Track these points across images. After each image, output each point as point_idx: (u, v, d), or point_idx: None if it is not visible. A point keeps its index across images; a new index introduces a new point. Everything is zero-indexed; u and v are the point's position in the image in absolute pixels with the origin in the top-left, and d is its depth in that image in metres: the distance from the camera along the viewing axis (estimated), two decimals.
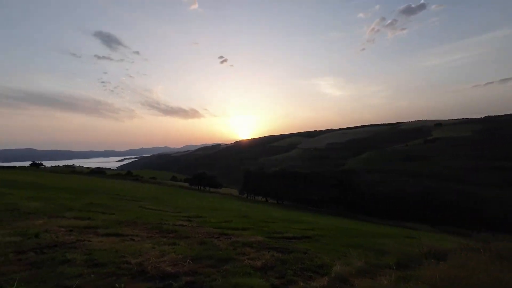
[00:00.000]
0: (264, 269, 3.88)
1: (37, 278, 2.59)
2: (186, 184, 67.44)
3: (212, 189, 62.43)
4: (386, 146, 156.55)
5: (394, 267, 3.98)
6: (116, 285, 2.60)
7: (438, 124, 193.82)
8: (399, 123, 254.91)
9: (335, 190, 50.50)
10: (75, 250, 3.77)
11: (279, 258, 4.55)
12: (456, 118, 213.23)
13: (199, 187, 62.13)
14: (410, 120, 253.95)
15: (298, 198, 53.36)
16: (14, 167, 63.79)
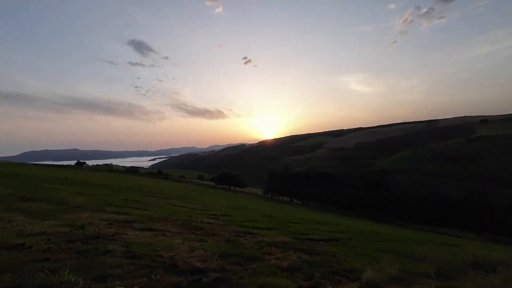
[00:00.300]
0: (290, 270, 3.84)
1: (84, 266, 2.87)
2: (212, 183, 69.48)
3: (237, 189, 63.50)
4: (422, 145, 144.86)
5: (433, 276, 3.66)
6: (152, 276, 2.77)
7: (484, 121, 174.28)
8: (437, 120, 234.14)
9: (364, 191, 48.08)
10: (115, 242, 4.10)
11: (306, 259, 4.47)
12: (504, 114, 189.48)
13: (224, 186, 63.60)
14: (450, 117, 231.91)
15: (324, 199, 51.84)
16: (62, 165, 71.51)
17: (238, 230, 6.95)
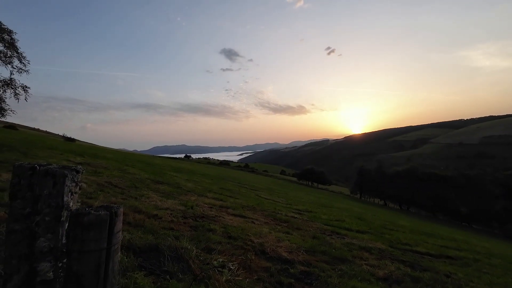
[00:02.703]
0: (388, 281, 3.37)
1: (195, 238, 3.54)
2: (294, 179, 69.95)
3: (320, 186, 61.30)
4: None
5: None
6: (248, 256, 3.10)
7: None
8: None
9: (501, 202, 35.82)
10: (215, 223, 4.83)
11: (408, 273, 3.80)
12: None
13: (307, 183, 62.67)
14: None
15: (432, 207, 42.21)
16: (176, 158, 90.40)
17: (323, 227, 6.72)
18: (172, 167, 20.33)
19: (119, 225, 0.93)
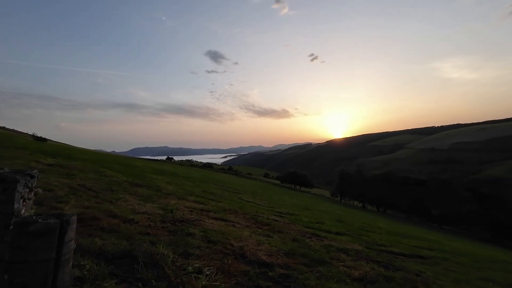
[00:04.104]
0: (362, 281, 3.49)
1: (173, 242, 3.45)
2: (278, 182, 70.48)
3: (302, 188, 62.24)
4: None
5: None
6: (225, 260, 3.07)
7: None
8: None
9: (469, 204, 38.45)
10: (195, 227, 4.74)
11: (382, 273, 3.97)
12: None
13: (290, 185, 63.42)
14: None
15: (408, 209, 44.41)
16: (157, 160, 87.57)
17: (304, 230, 6.83)
18: (152, 169, 19.68)
19: (71, 234, 0.89)
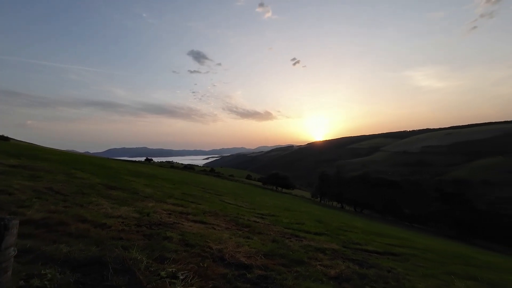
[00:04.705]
0: (338, 279, 3.60)
1: (148, 247, 3.31)
2: (260, 183, 70.78)
3: (284, 190, 63.03)
4: None
5: None
6: (201, 264, 3.01)
7: None
8: None
9: (436, 204, 41.27)
10: (173, 230, 4.60)
11: (356, 271, 4.12)
12: None
13: (272, 187, 63.93)
14: None
15: (383, 209, 46.70)
16: (135, 161, 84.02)
17: (284, 231, 6.90)
18: (129, 171, 18.82)
19: (9, 240, 0.81)
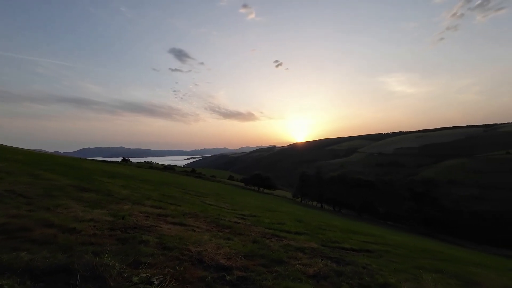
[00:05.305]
0: (316, 278, 3.69)
1: (122, 252, 3.15)
2: (242, 184, 70.62)
3: (266, 190, 63.47)
4: (479, 153, 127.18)
5: None
6: (177, 267, 2.92)
7: None
8: (498, 124, 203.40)
9: (407, 202, 43.86)
10: (150, 233, 4.42)
11: (334, 268, 4.25)
12: None
13: (254, 188, 64.10)
14: None
15: (359, 208, 48.73)
16: (111, 161, 79.90)
17: (264, 231, 6.93)
18: (104, 171, 17.84)
19: None
